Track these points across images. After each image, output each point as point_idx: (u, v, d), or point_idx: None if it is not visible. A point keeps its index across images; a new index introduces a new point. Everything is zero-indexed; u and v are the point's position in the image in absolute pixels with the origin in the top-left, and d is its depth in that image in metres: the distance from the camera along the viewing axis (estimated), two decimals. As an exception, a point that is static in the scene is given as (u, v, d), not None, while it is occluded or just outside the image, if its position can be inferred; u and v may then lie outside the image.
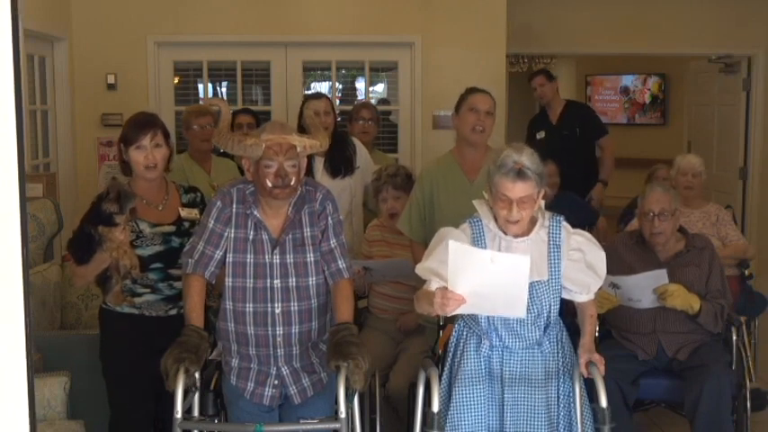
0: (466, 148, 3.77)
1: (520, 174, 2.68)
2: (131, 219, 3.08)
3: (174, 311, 3.16)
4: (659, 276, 3.60)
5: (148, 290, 3.17)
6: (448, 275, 2.57)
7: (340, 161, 4.46)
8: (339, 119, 6.16)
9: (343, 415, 2.63)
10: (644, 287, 3.61)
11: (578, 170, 5.83)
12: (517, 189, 2.68)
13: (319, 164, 4.44)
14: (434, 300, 2.60)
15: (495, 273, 2.54)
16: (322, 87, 7.01)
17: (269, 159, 2.75)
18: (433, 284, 2.71)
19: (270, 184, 2.77)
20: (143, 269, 3.12)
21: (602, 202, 6.08)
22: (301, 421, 2.72)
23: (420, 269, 2.81)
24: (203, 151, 4.50)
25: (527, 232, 2.79)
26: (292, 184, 2.79)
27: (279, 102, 6.30)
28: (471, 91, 3.81)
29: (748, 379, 3.63)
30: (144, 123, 3.20)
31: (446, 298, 2.57)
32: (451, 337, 2.95)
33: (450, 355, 2.92)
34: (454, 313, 2.67)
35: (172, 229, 3.20)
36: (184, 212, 3.22)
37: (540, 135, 6.14)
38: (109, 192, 3.06)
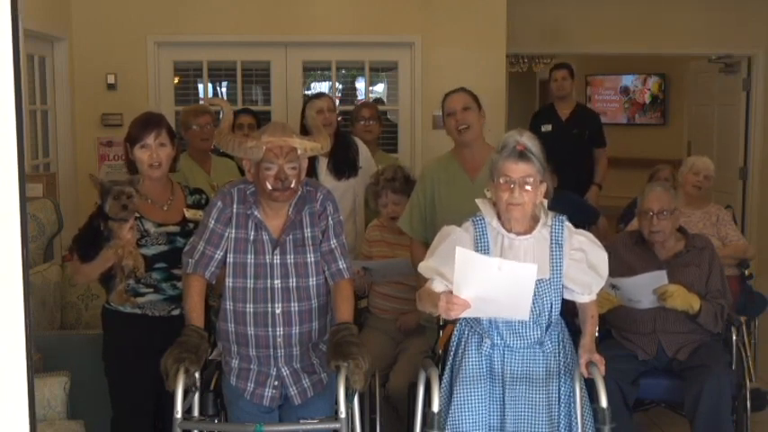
0: (463, 149, 3.76)
1: (522, 155, 2.70)
2: (125, 204, 3.04)
3: (176, 312, 3.15)
4: (659, 277, 3.59)
5: (151, 290, 3.17)
6: (453, 280, 2.58)
7: (343, 162, 4.46)
8: (341, 119, 6.18)
9: (343, 415, 2.63)
10: (643, 288, 3.61)
11: (576, 170, 5.84)
12: (520, 169, 2.69)
13: (323, 165, 4.44)
14: (439, 304, 2.61)
15: (501, 279, 2.55)
16: (322, 87, 7.01)
17: (269, 162, 2.75)
18: (436, 283, 2.72)
19: (270, 187, 2.77)
20: (147, 268, 3.12)
21: (598, 204, 6.10)
22: (301, 421, 2.72)
23: (423, 267, 2.82)
24: (203, 151, 4.50)
25: (529, 230, 2.79)
26: (292, 186, 2.79)
27: (279, 102, 6.30)
28: (445, 97, 3.79)
29: (748, 379, 3.62)
30: (149, 123, 3.22)
31: (451, 303, 2.58)
32: (453, 336, 2.95)
33: (452, 354, 2.92)
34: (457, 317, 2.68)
35: (176, 229, 3.20)
36: (189, 213, 3.22)
37: (547, 128, 6.13)
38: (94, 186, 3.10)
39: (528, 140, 2.73)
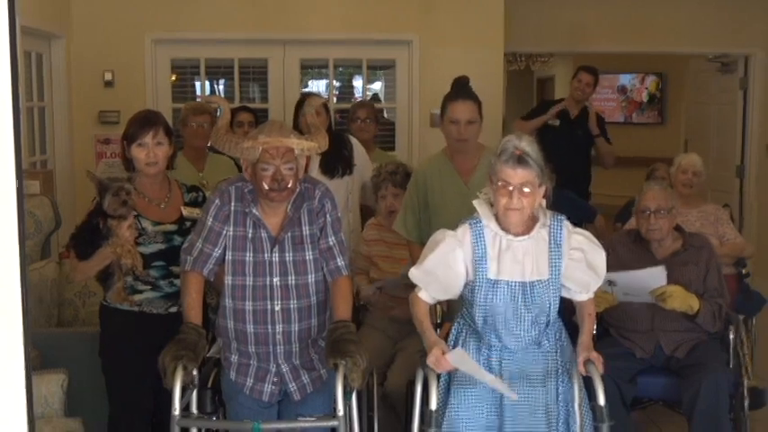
0: (456, 152, 3.74)
1: (520, 160, 2.68)
2: (125, 200, 3.04)
3: (174, 309, 3.15)
4: (657, 273, 3.58)
5: (149, 287, 3.17)
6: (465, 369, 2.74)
7: (336, 161, 4.45)
8: (338, 116, 6.18)
9: (341, 413, 2.63)
10: (641, 283, 3.60)
11: (575, 169, 5.84)
12: (518, 175, 2.68)
13: (315, 163, 4.43)
14: (428, 358, 2.73)
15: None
16: (319, 85, 7.02)
17: (266, 163, 2.75)
18: (423, 293, 2.85)
19: (266, 187, 2.76)
20: (144, 267, 3.12)
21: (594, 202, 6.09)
22: (299, 419, 2.72)
23: (413, 275, 2.83)
24: (197, 149, 4.50)
25: (527, 231, 2.79)
26: (289, 186, 2.78)
27: (276, 99, 6.30)
28: (452, 98, 3.68)
29: (746, 377, 3.63)
30: (146, 121, 3.21)
31: (439, 364, 2.72)
32: (450, 336, 2.95)
33: (449, 353, 2.93)
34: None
35: (174, 227, 3.19)
36: (186, 212, 3.22)
37: (554, 123, 6.12)
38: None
39: (527, 145, 2.71)
